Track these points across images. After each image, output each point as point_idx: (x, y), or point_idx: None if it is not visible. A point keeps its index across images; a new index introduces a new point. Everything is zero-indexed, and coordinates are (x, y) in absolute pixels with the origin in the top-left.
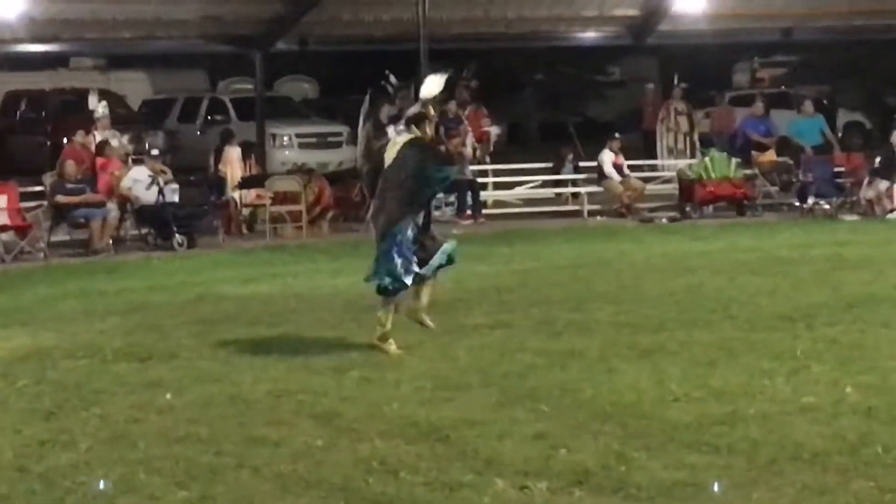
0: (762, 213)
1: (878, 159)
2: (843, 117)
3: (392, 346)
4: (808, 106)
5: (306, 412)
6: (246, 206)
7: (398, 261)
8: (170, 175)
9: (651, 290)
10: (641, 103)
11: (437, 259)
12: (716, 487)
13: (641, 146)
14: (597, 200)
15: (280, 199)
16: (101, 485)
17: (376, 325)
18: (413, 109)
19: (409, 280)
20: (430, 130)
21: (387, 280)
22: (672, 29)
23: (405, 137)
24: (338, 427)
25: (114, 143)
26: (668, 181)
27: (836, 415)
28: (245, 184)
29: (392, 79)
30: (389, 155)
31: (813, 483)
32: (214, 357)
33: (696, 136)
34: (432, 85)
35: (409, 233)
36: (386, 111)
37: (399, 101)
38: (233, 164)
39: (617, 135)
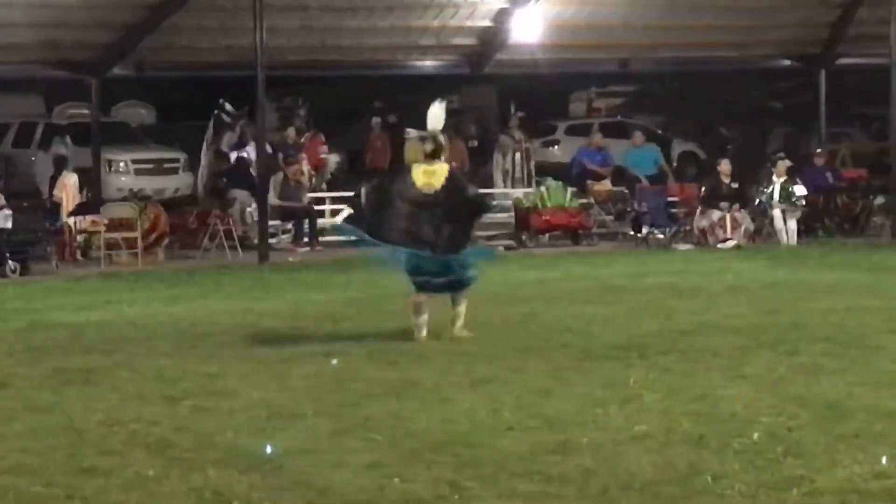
0: (597, 243)
1: (702, 189)
2: (677, 147)
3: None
4: (639, 136)
5: (138, 442)
6: (80, 232)
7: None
8: (3, 201)
9: (486, 318)
10: (365, 140)
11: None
12: None
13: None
14: None
15: (115, 225)
16: None
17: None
18: (428, 146)
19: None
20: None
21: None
22: (510, 58)
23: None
24: (170, 457)
25: None
26: (504, 210)
27: (668, 443)
28: (80, 210)
29: (227, 107)
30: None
31: None
32: (45, 386)
33: (531, 165)
34: (435, 116)
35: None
36: (227, 139)
37: (239, 128)
38: (68, 189)
39: (453, 163)
